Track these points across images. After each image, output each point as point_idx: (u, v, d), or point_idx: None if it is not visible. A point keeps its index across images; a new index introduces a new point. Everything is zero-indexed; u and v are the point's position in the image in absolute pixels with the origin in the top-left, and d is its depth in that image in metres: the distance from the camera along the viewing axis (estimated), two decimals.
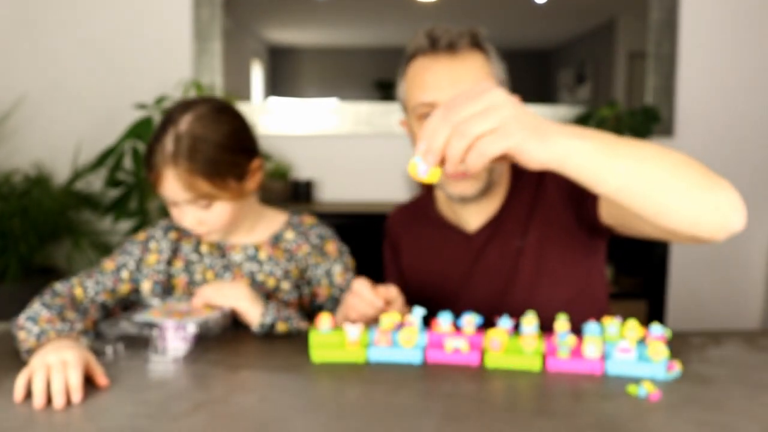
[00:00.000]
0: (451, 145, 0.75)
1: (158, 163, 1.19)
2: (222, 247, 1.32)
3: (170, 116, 1.21)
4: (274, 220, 1.37)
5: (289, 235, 1.35)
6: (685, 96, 2.73)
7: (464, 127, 0.74)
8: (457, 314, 1.24)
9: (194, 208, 1.22)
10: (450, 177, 1.18)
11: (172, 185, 1.19)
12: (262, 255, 1.32)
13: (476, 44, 1.17)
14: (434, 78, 1.14)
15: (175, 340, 1.07)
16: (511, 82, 1.25)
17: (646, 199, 0.82)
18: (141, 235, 1.33)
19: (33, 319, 1.07)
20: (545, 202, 1.23)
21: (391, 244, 1.41)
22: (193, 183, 1.17)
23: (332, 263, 1.35)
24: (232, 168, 1.22)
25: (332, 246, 1.36)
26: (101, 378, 0.95)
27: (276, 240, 1.34)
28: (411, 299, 1.23)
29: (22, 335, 1.05)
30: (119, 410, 0.86)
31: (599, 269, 1.29)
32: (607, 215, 1.12)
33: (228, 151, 1.21)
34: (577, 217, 1.20)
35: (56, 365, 0.92)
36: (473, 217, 1.27)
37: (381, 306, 1.08)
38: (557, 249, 1.22)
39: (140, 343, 1.09)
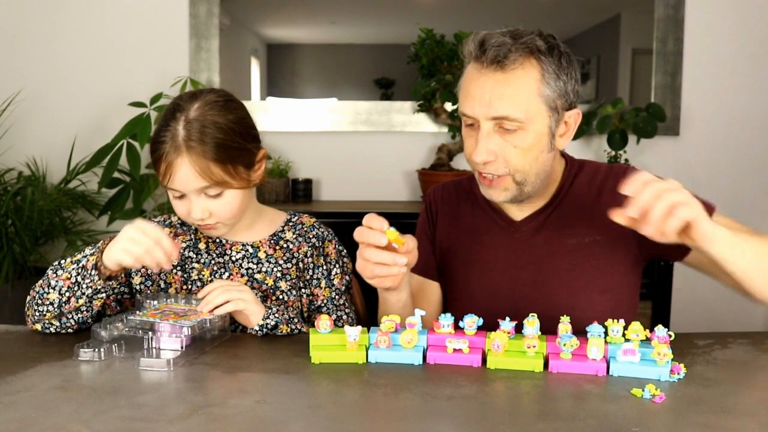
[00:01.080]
0: (655, 206, 0.97)
1: (169, 151, 1.17)
2: (222, 245, 1.31)
3: (178, 105, 1.21)
4: (273, 220, 1.35)
5: (289, 234, 1.33)
6: (690, 94, 2.70)
7: (666, 195, 0.97)
8: (491, 298, 1.25)
9: (204, 199, 1.20)
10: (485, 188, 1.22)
11: (185, 172, 1.17)
12: (261, 254, 1.30)
13: (533, 55, 1.13)
14: (479, 92, 1.13)
15: (170, 341, 1.05)
16: None
17: (756, 280, 1.05)
18: None
19: (58, 269, 1.18)
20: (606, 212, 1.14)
21: (429, 214, 1.38)
22: (207, 168, 1.17)
23: (331, 265, 1.33)
24: (242, 154, 1.21)
25: (332, 247, 1.35)
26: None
27: (275, 239, 1.32)
28: (443, 274, 1.33)
29: (61, 280, 1.15)
30: (114, 413, 0.85)
31: (638, 283, 1.29)
32: (696, 262, 1.20)
33: (239, 135, 1.21)
34: (639, 242, 1.17)
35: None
36: (517, 209, 1.27)
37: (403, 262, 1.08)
38: (609, 258, 1.22)
39: (136, 345, 1.07)
